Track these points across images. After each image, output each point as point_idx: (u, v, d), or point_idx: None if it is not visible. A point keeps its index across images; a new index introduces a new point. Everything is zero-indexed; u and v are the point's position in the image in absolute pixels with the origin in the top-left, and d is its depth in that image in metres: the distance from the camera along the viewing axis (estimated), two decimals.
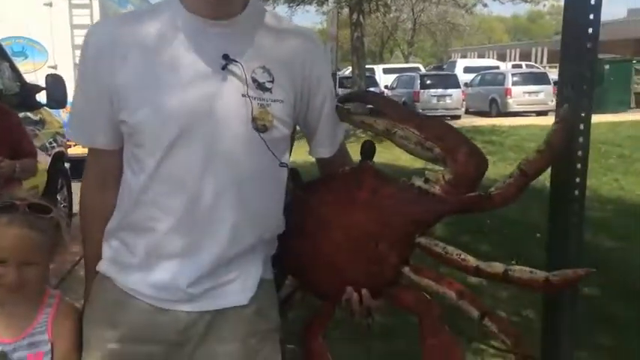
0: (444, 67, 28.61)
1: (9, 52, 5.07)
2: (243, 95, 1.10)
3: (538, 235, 4.75)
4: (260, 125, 1.11)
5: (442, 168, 1.17)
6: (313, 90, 1.21)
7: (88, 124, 1.18)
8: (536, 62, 28.98)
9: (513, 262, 4.29)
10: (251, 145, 1.11)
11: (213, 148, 1.09)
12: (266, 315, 1.22)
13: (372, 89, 17.08)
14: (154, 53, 1.10)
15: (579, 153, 1.19)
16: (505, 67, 23.37)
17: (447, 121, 1.48)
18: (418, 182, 1.18)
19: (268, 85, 1.13)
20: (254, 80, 1.11)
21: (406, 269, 1.17)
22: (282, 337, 1.27)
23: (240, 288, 1.17)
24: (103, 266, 1.22)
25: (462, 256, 1.12)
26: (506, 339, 1.09)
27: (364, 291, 1.18)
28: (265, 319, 1.22)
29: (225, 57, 1.09)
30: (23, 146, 2.58)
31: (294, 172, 1.30)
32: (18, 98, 4.39)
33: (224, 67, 1.09)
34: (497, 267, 1.08)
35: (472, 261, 1.11)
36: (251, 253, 1.18)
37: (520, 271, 1.06)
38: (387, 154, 10.16)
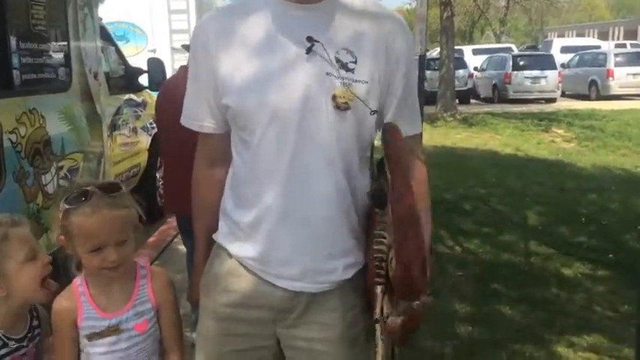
0: (539, 47, 27.20)
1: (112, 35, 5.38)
2: (328, 74, 1.17)
3: (639, 227, 4.48)
4: (341, 103, 1.17)
5: None
6: (394, 72, 1.23)
7: (198, 110, 1.30)
8: None
9: (611, 255, 4.06)
10: (335, 123, 1.18)
11: (303, 125, 1.17)
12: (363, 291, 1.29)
13: (460, 71, 16.55)
14: (250, 43, 1.21)
15: None
16: (607, 46, 21.80)
17: None
18: None
19: (351, 65, 1.18)
20: (337, 60, 1.18)
21: None
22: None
23: (344, 265, 1.26)
24: (219, 237, 1.33)
25: None
26: None
27: None
28: (362, 295, 1.29)
29: (309, 39, 1.16)
30: None
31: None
32: (123, 81, 4.68)
33: (309, 49, 1.17)
34: None
35: None
36: (350, 240, 1.26)
37: None
38: (477, 140, 9.89)
